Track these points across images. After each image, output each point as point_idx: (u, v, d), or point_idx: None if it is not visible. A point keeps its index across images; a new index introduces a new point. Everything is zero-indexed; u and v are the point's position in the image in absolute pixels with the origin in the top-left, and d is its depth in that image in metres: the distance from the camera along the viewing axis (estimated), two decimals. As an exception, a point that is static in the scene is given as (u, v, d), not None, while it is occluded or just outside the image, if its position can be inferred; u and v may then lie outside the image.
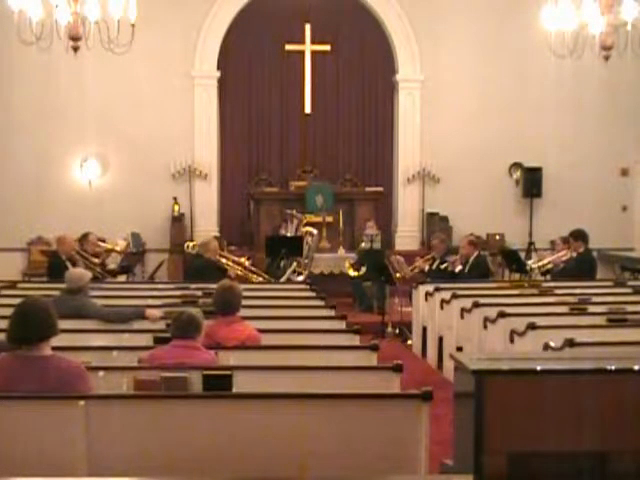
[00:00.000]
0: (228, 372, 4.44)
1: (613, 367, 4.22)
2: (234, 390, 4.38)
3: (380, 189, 14.48)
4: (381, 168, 15.28)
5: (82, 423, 4.00)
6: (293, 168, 14.98)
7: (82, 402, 4.02)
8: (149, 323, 6.68)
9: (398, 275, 10.99)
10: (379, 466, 4.06)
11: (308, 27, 14.43)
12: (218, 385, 4.34)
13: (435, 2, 14.62)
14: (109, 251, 11.20)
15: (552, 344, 5.74)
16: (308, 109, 14.71)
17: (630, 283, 9.94)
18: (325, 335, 6.30)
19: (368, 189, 14.45)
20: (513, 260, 12.12)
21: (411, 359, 9.24)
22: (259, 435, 4.05)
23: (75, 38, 8.94)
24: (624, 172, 15.17)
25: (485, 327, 7.47)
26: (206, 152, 14.58)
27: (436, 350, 8.99)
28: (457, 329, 8.37)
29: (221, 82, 14.71)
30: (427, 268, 10.87)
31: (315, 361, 5.22)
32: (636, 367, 4.21)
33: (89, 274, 7.46)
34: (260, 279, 10.73)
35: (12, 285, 9.12)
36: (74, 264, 9.64)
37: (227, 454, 4.00)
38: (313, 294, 8.67)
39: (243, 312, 6.43)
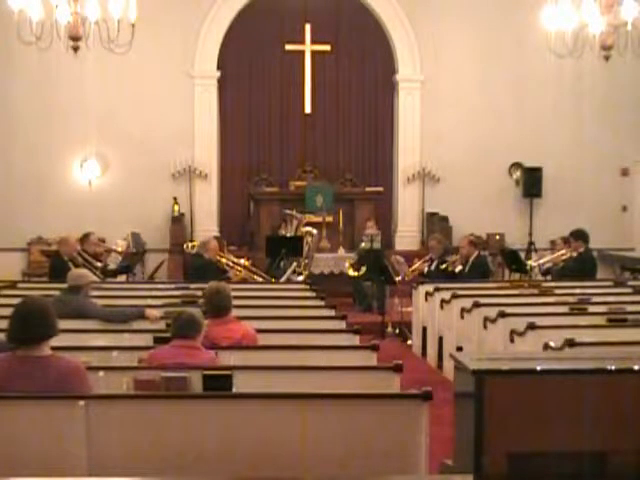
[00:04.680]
0: (228, 372, 4.44)
1: (613, 367, 4.22)
2: (234, 390, 4.38)
3: (380, 189, 14.47)
4: (381, 168, 15.28)
5: (82, 423, 3.99)
6: (293, 168, 14.98)
7: (82, 402, 4.02)
8: (149, 323, 6.68)
9: (399, 278, 10.99)
10: (379, 466, 4.06)
11: (308, 27, 14.43)
12: (218, 385, 4.34)
13: (435, 2, 14.62)
14: (109, 251, 11.20)
15: (552, 344, 5.74)
16: (308, 109, 14.72)
17: (630, 283, 9.94)
18: (325, 335, 6.30)
19: (368, 189, 14.44)
20: (513, 260, 12.12)
21: (411, 359, 9.24)
22: (259, 435, 4.05)
23: (75, 38, 8.95)
24: (624, 172, 15.17)
25: (485, 327, 7.47)
26: (206, 152, 14.59)
27: (436, 350, 8.99)
28: (457, 329, 8.37)
29: (221, 82, 14.71)
30: (426, 269, 10.88)
31: (315, 361, 5.22)
32: (636, 367, 4.21)
33: (91, 275, 7.46)
34: (260, 279, 10.73)
35: (12, 285, 9.12)
36: (76, 265, 9.64)
37: (227, 454, 4.00)
38: (313, 294, 8.67)
39: (243, 312, 6.44)
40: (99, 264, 10.44)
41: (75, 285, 6.96)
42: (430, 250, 11.23)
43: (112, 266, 10.77)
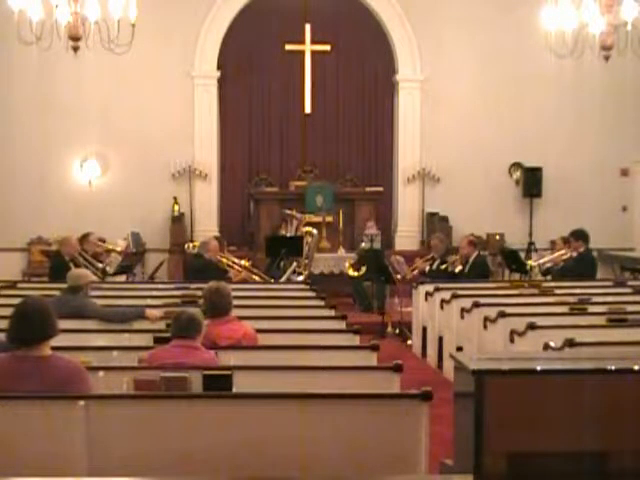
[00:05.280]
0: (228, 372, 4.44)
1: (613, 367, 4.22)
2: (234, 390, 4.38)
3: (380, 189, 14.47)
4: (381, 168, 15.28)
5: (82, 423, 3.99)
6: (293, 168, 14.98)
7: (82, 402, 4.02)
8: (149, 323, 6.68)
9: (399, 276, 10.99)
10: (379, 466, 4.06)
11: (308, 27, 14.42)
12: (218, 385, 4.34)
13: (435, 2, 14.62)
14: (109, 251, 11.20)
15: (552, 344, 5.74)
16: (308, 109, 14.70)
17: (630, 283, 9.94)
18: (325, 335, 6.30)
19: (368, 189, 14.44)
20: (513, 260, 12.12)
21: (411, 359, 9.24)
22: (259, 435, 4.05)
23: (75, 38, 8.95)
24: (624, 172, 15.17)
25: (485, 327, 7.47)
26: (206, 152, 14.59)
27: (436, 350, 8.99)
28: (457, 329, 8.37)
29: (221, 82, 14.72)
30: (427, 268, 10.90)
31: (315, 361, 5.22)
32: (636, 367, 4.21)
33: (91, 275, 7.46)
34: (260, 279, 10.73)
35: (12, 285, 9.11)
36: (77, 265, 9.64)
37: (227, 454, 4.00)
38: (313, 294, 8.67)
39: (243, 312, 6.44)
40: (100, 265, 10.43)
41: (75, 285, 6.96)
42: (432, 249, 11.25)
43: (110, 270, 10.71)
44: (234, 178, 15.02)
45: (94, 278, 7.67)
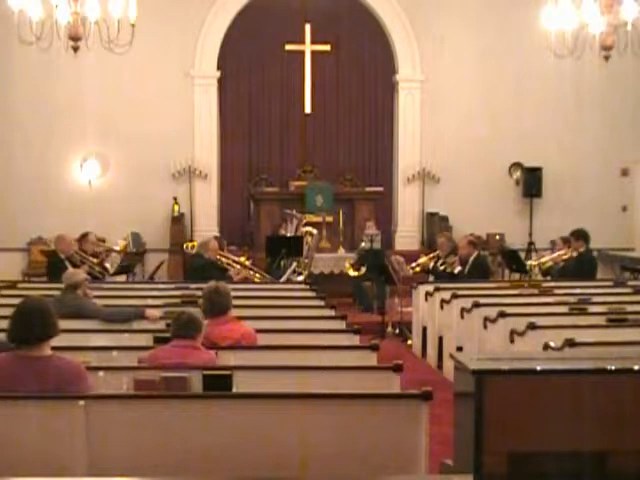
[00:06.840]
0: (228, 372, 4.45)
1: (613, 367, 4.22)
2: (234, 390, 4.38)
3: (380, 189, 14.47)
4: (381, 168, 15.29)
5: (82, 423, 3.99)
6: (293, 168, 14.99)
7: (82, 402, 4.02)
8: (149, 323, 6.68)
9: (402, 274, 10.95)
10: (379, 466, 4.06)
11: (308, 27, 14.44)
12: (218, 385, 4.34)
13: (435, 2, 14.62)
14: (108, 251, 11.18)
15: (552, 344, 5.74)
16: (308, 109, 14.72)
17: (630, 283, 9.94)
18: (325, 335, 6.30)
19: (368, 189, 14.44)
20: (513, 260, 12.12)
21: (411, 359, 9.24)
22: (259, 435, 4.05)
23: (75, 38, 8.95)
24: (624, 172, 15.17)
25: (485, 327, 7.47)
26: (206, 152, 14.59)
27: (436, 350, 8.99)
28: (457, 329, 8.37)
29: (221, 82, 14.72)
30: (431, 265, 10.86)
31: (315, 361, 5.22)
32: (636, 367, 4.21)
33: (82, 272, 7.46)
34: (261, 277, 10.73)
35: (12, 285, 9.11)
36: (73, 264, 9.61)
37: (227, 454, 4.00)
38: (313, 294, 8.67)
39: (243, 312, 6.44)
40: (95, 260, 10.37)
41: (70, 284, 6.96)
42: (439, 247, 11.21)
43: (109, 265, 10.69)
44: (234, 178, 15.02)
45: (86, 276, 7.65)
